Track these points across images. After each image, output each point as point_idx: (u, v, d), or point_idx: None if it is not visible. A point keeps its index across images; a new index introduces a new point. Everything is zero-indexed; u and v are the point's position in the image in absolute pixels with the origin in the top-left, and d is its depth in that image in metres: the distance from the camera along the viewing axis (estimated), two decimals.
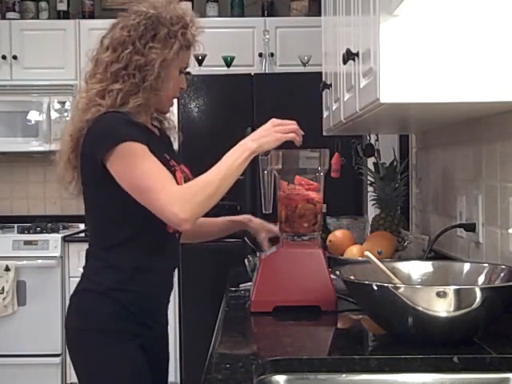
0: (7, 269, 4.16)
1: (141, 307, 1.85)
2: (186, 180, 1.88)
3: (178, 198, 1.67)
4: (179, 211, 1.66)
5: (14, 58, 4.55)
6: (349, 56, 1.75)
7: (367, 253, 1.67)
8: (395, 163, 2.53)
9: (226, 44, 4.38)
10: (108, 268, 1.84)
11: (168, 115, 2.04)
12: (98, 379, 1.83)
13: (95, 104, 1.80)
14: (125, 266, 1.83)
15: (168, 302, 2.02)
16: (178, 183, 1.78)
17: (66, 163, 1.86)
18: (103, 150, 1.72)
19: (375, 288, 1.44)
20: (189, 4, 4.63)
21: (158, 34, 1.83)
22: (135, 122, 1.79)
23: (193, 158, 3.27)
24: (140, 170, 1.70)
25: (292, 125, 1.79)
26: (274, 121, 1.79)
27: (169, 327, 2.06)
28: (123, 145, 1.71)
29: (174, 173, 1.81)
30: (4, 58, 4.55)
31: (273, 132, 1.76)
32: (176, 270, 2.07)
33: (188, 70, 1.98)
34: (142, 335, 1.85)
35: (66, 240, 4.28)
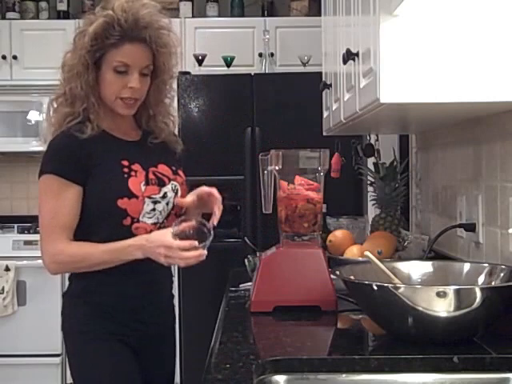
0: (7, 269, 4.16)
1: (117, 307, 1.86)
2: (181, 186, 1.92)
3: (52, 256, 1.82)
4: (48, 266, 1.84)
5: (14, 58, 4.55)
6: (349, 56, 1.75)
7: (367, 253, 1.67)
8: (395, 163, 2.53)
9: (225, 44, 4.38)
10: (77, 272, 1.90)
11: (169, 125, 2.01)
12: (83, 379, 1.87)
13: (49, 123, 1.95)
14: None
15: (164, 303, 2.00)
16: (130, 192, 1.82)
17: None
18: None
19: (375, 288, 1.44)
20: (189, 4, 4.63)
21: (74, 38, 1.87)
22: (69, 146, 1.83)
23: (193, 157, 3.28)
24: (42, 208, 1.85)
25: (178, 259, 1.74)
26: (165, 243, 1.73)
27: None
28: (42, 177, 1.84)
29: (126, 180, 1.83)
30: (4, 58, 4.54)
31: (161, 257, 1.75)
32: (173, 269, 2.04)
33: (187, 70, 1.96)
34: (124, 334, 1.86)
35: None
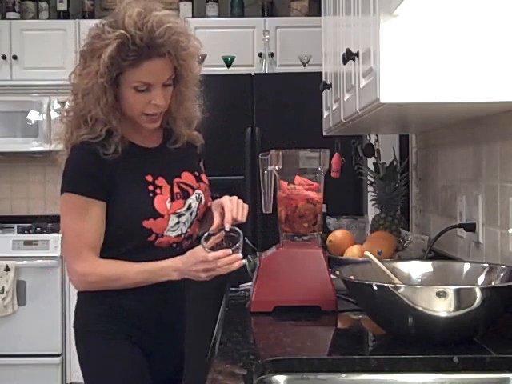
0: (7, 269, 4.16)
1: (129, 309, 1.85)
2: (205, 193, 1.90)
3: (81, 276, 1.81)
4: (77, 285, 1.85)
5: (14, 58, 4.55)
6: (349, 56, 1.75)
7: (367, 253, 1.67)
8: (395, 163, 2.53)
9: (225, 44, 4.38)
10: None
11: (191, 126, 1.93)
12: (92, 377, 1.87)
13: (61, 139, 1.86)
14: None
15: (175, 304, 1.96)
16: (156, 212, 1.79)
17: None
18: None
19: (375, 288, 1.44)
20: (189, 4, 4.63)
21: (85, 56, 1.76)
22: (91, 162, 1.77)
23: None
24: (66, 228, 1.83)
25: (218, 269, 1.72)
26: (200, 259, 1.73)
27: None
28: (64, 195, 1.81)
29: (151, 200, 1.79)
30: (4, 58, 4.54)
31: (201, 273, 1.74)
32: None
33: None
34: (137, 337, 1.86)
35: None
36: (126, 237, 1.81)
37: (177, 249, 1.86)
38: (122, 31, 1.68)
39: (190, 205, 1.87)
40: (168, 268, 1.77)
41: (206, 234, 1.78)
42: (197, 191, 1.91)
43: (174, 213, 1.83)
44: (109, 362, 1.84)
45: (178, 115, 1.90)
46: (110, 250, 1.82)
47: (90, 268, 1.80)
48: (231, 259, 1.71)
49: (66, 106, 1.87)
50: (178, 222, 1.84)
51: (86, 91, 1.74)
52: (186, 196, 1.87)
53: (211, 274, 1.74)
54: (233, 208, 1.81)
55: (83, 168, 1.79)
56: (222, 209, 1.82)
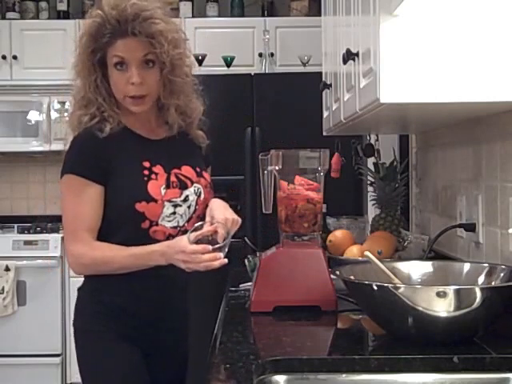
0: (7, 269, 4.16)
1: (126, 309, 1.86)
2: (205, 189, 1.91)
3: (75, 259, 1.84)
4: (72, 267, 1.86)
5: (14, 58, 4.55)
6: (349, 56, 1.75)
7: (367, 253, 1.67)
8: (395, 163, 2.53)
9: (225, 44, 4.38)
10: None
11: (189, 118, 1.95)
12: (89, 376, 1.88)
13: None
14: None
15: (175, 307, 1.97)
16: (149, 196, 1.80)
17: None
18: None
19: (375, 288, 1.44)
20: (189, 4, 4.63)
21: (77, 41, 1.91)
22: (89, 145, 1.84)
23: None
24: (64, 208, 1.87)
25: (196, 264, 1.70)
26: (181, 248, 1.71)
27: None
28: (64, 177, 1.85)
29: (145, 184, 1.82)
30: (4, 58, 4.54)
31: (181, 262, 1.72)
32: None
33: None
34: (132, 337, 1.86)
35: None
36: (120, 221, 1.83)
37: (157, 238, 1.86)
38: (99, 11, 1.83)
39: (187, 196, 1.88)
40: (155, 253, 1.77)
41: (196, 225, 1.77)
42: (196, 185, 1.92)
43: (169, 201, 1.84)
44: (105, 361, 1.84)
45: (169, 103, 1.91)
46: (105, 235, 1.83)
47: (84, 249, 1.81)
48: (211, 257, 1.68)
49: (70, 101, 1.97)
50: (174, 213, 1.85)
51: (77, 74, 1.89)
52: (184, 187, 1.88)
53: (189, 266, 1.72)
54: (225, 225, 1.77)
55: (83, 151, 1.84)
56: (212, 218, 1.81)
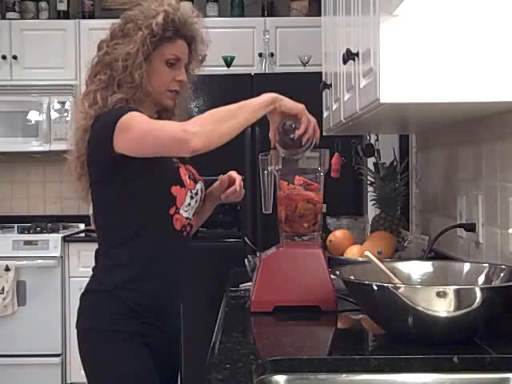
0: (7, 269, 4.16)
1: (146, 307, 1.84)
2: (192, 179, 1.91)
3: (182, 130, 1.71)
4: (199, 143, 1.71)
5: (14, 58, 4.55)
6: (349, 56, 1.75)
7: (367, 253, 1.67)
8: (395, 163, 2.53)
9: (226, 44, 4.38)
10: (115, 267, 1.85)
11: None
12: (104, 379, 1.83)
13: (83, 112, 1.87)
14: (131, 263, 1.84)
15: (178, 305, 2.00)
16: (182, 181, 1.85)
17: (77, 174, 1.93)
18: (108, 137, 1.76)
19: (375, 288, 1.44)
20: (189, 4, 4.63)
21: (123, 31, 1.88)
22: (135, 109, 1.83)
23: (192, 157, 3.27)
24: (147, 126, 1.76)
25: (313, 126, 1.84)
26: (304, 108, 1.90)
27: None
28: (122, 118, 1.76)
29: (177, 169, 1.86)
30: (4, 58, 4.55)
31: (300, 109, 1.93)
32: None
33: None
34: (149, 335, 1.84)
35: (65, 240, 4.28)
36: (153, 207, 1.83)
37: (183, 234, 1.89)
38: (167, 7, 1.88)
39: (197, 190, 1.93)
40: (263, 96, 1.99)
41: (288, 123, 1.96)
42: (200, 182, 1.97)
43: (190, 190, 1.88)
44: (121, 363, 1.81)
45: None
46: (135, 223, 1.83)
47: (195, 122, 1.76)
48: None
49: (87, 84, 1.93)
50: (190, 204, 1.89)
51: (128, 55, 1.84)
52: (195, 181, 1.93)
53: (309, 118, 1.88)
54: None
55: (126, 107, 1.83)
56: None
